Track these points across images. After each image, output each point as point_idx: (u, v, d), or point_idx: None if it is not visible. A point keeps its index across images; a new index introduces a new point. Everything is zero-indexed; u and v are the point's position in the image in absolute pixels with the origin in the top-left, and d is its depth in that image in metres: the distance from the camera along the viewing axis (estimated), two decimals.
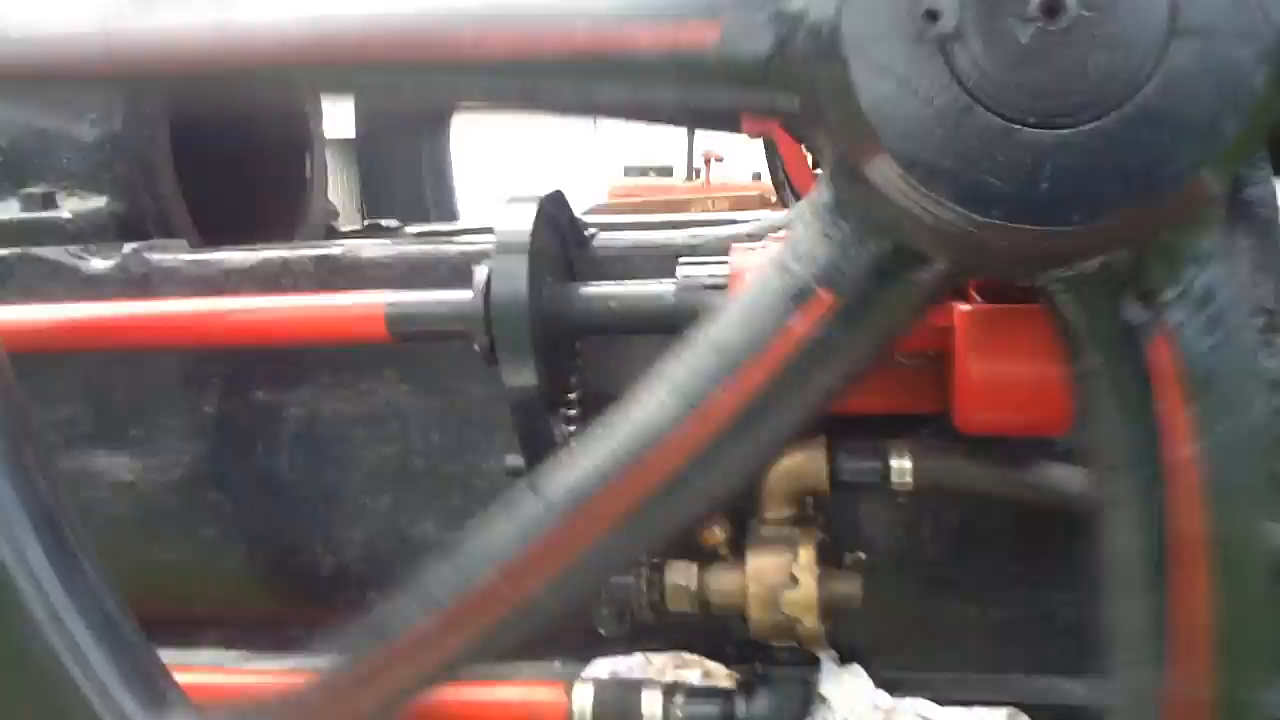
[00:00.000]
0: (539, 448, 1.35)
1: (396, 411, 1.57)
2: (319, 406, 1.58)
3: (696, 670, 1.44)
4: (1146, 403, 0.73)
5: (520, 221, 1.27)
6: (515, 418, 1.34)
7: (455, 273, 1.46)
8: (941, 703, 1.37)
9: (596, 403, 1.40)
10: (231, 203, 2.02)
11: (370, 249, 1.55)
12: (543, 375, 1.29)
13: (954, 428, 1.34)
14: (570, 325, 1.32)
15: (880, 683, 1.40)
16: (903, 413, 1.35)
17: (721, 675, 1.43)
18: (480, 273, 1.30)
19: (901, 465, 1.26)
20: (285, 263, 1.55)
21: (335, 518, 1.60)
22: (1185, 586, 0.76)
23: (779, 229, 1.37)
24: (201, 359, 1.60)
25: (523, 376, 1.28)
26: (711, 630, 1.48)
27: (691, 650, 1.48)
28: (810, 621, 1.24)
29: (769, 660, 1.33)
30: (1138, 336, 0.72)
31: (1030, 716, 1.35)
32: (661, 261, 1.40)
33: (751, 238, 1.37)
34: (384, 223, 2.76)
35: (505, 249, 1.26)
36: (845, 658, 1.43)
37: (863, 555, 1.30)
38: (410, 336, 1.39)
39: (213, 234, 1.83)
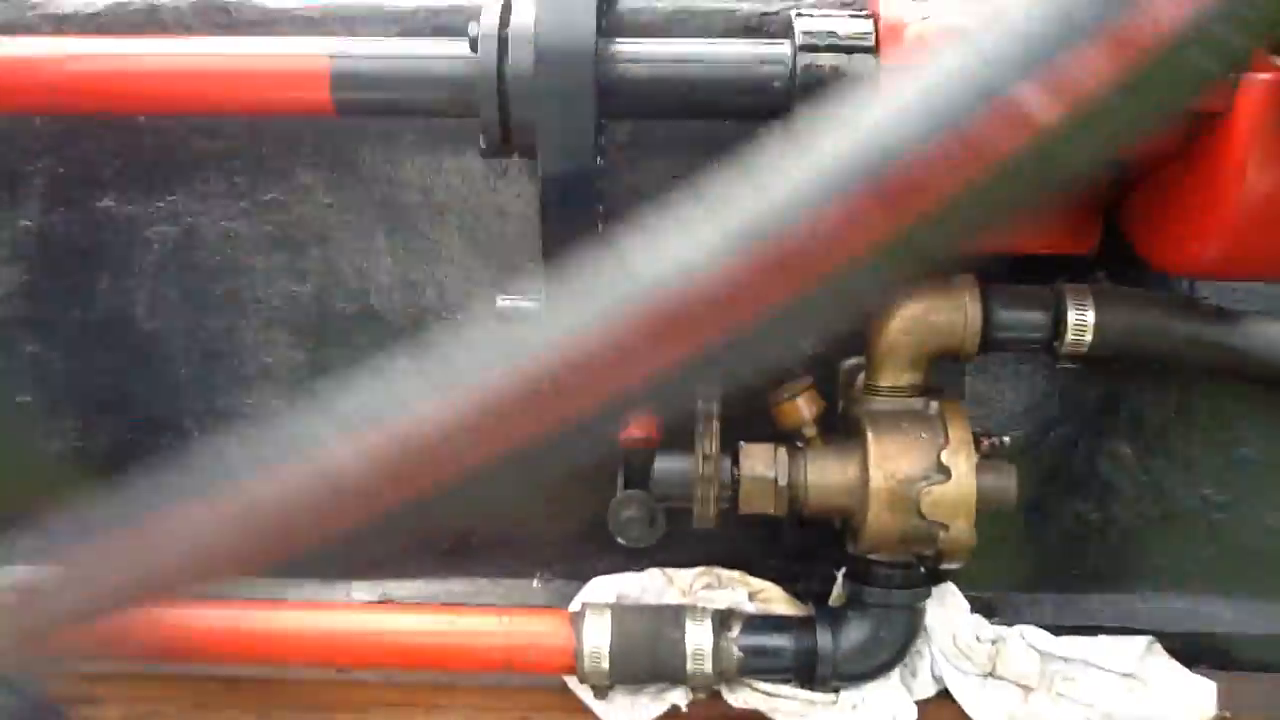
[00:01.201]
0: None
1: (316, 231, 1.10)
2: (197, 223, 1.09)
3: (739, 590, 1.07)
4: None
5: None
6: (546, 218, 0.90)
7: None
8: (1056, 631, 1.05)
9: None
10: None
11: None
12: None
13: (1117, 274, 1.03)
14: (629, 99, 0.89)
15: (975, 607, 1.07)
16: (1049, 253, 1.01)
17: (777, 597, 1.06)
18: (491, 9, 0.86)
19: (1082, 318, 0.91)
20: (153, 10, 1.05)
21: (222, 384, 1.13)
22: None
23: None
24: (16, 146, 1.08)
25: (574, 164, 0.86)
26: (749, 535, 1.11)
27: (720, 563, 1.10)
28: (962, 528, 0.88)
29: (867, 580, 0.97)
30: None
31: (1167, 647, 1.05)
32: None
33: None
34: None
35: None
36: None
37: (1007, 439, 0.95)
38: (366, 109, 0.94)
39: None
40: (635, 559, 1.10)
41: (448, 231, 1.09)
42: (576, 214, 0.86)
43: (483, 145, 0.89)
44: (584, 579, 1.10)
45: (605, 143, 1.00)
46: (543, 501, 1.14)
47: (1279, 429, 1.07)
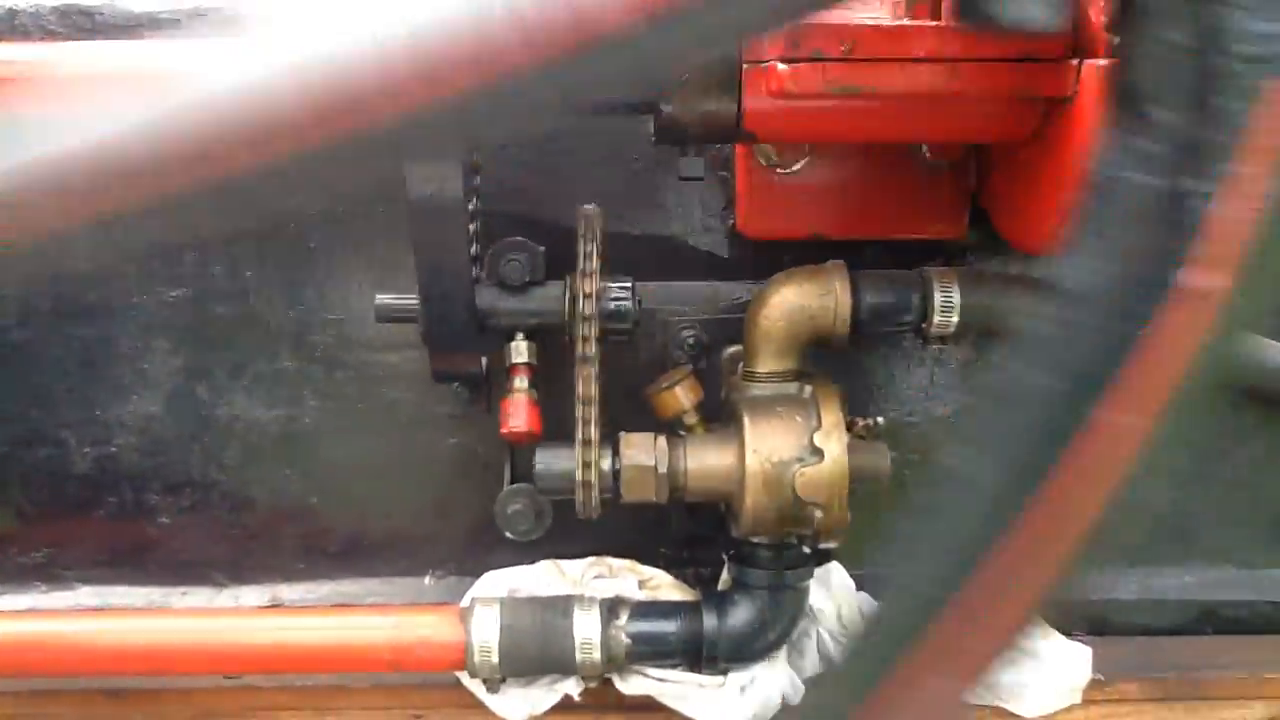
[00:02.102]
0: (444, 277, 0.92)
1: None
2: None
3: (629, 578, 1.08)
4: None
5: None
6: (416, 239, 0.90)
7: None
8: None
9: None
10: None
11: None
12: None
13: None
14: None
15: (862, 584, 1.09)
16: (915, 238, 1.04)
17: (667, 583, 1.08)
18: None
19: (948, 300, 0.93)
20: (12, 14, 1.02)
21: (95, 392, 1.11)
22: None
23: None
24: None
25: (440, 177, 0.86)
26: (637, 524, 1.12)
27: (609, 553, 1.11)
28: (836, 508, 0.90)
29: (750, 563, 0.98)
30: None
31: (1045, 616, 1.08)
32: None
33: None
34: None
35: None
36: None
37: (880, 420, 0.97)
38: None
39: None
40: (528, 553, 1.11)
41: (326, 227, 1.08)
42: (447, 214, 0.86)
43: None
44: (477, 575, 1.10)
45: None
46: (432, 500, 1.14)
47: None
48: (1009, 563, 0.53)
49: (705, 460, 0.94)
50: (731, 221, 1.06)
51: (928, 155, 1.00)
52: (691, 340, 1.06)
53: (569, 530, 1.09)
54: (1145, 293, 0.48)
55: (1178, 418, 0.50)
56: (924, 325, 0.95)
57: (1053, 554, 0.54)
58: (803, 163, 0.99)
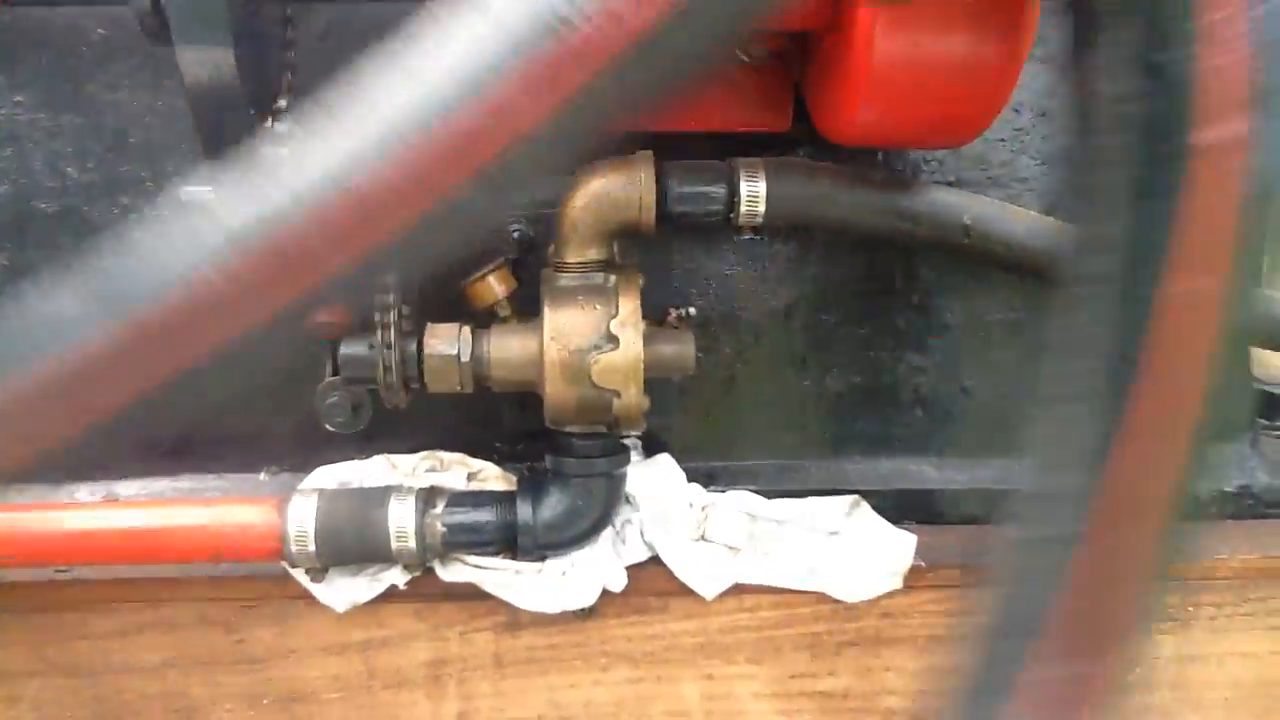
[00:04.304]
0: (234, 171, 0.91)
1: (6, 132, 1.06)
2: None
3: (459, 471, 1.09)
4: None
5: None
6: (199, 128, 0.89)
7: None
8: (769, 495, 1.10)
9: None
10: None
11: None
12: (243, 61, 0.85)
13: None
14: None
15: (694, 476, 1.11)
16: (738, 131, 1.03)
17: (494, 475, 1.09)
18: None
19: (754, 190, 0.93)
20: None
21: None
22: None
23: None
24: None
25: (211, 62, 0.84)
26: (474, 420, 1.13)
27: (446, 449, 1.12)
28: (632, 394, 0.91)
29: (563, 452, 0.99)
30: None
31: (876, 506, 1.11)
32: None
33: None
34: None
35: None
36: (649, 447, 1.13)
37: (692, 311, 0.98)
38: None
39: None
40: (365, 449, 1.11)
41: (145, 125, 1.06)
42: (223, 96, 0.84)
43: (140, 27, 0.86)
44: (313, 471, 1.11)
45: (293, 35, 0.98)
46: (264, 396, 1.14)
47: (972, 295, 1.13)
48: (1133, 465, 0.52)
49: (509, 349, 0.94)
50: None
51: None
52: (517, 234, 1.06)
53: (410, 427, 1.10)
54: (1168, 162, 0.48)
55: (1240, 276, 0.50)
56: (732, 215, 0.95)
57: (1171, 444, 0.53)
58: None
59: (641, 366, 0.89)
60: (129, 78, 1.04)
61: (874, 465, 1.16)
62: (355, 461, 1.10)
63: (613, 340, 0.90)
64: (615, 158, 0.95)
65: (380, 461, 1.10)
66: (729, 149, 1.01)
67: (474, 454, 1.11)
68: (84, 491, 1.14)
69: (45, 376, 0.50)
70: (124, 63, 1.04)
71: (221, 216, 0.48)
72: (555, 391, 0.91)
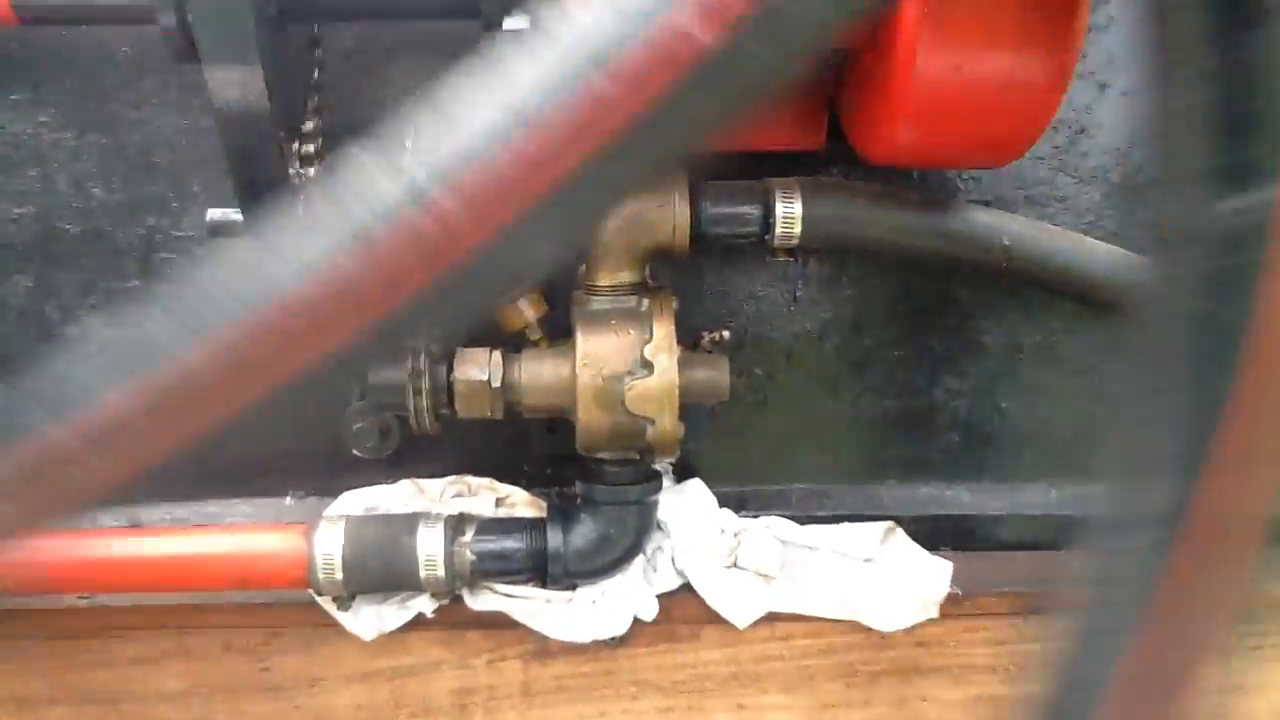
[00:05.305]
0: (261, 194, 0.90)
1: (31, 151, 1.05)
2: None
3: (486, 496, 1.07)
4: None
5: None
6: (226, 149, 0.87)
7: None
8: (801, 521, 1.08)
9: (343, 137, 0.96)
10: None
11: None
12: (270, 82, 0.84)
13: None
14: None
15: (725, 501, 1.09)
16: (769, 150, 1.01)
17: (523, 500, 1.07)
18: None
19: (789, 211, 0.91)
20: None
21: None
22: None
23: None
24: None
25: (240, 82, 0.83)
26: (501, 443, 1.11)
27: (474, 472, 1.10)
28: (667, 422, 0.89)
29: (594, 479, 0.97)
30: None
31: (911, 532, 1.08)
32: None
33: None
34: None
35: None
36: (680, 471, 1.11)
37: (726, 334, 0.96)
38: (46, 16, 0.89)
39: None
40: (391, 473, 1.10)
41: (171, 146, 1.05)
42: (252, 117, 0.83)
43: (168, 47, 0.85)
44: (339, 495, 1.09)
45: (321, 55, 0.97)
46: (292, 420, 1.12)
47: (1010, 317, 1.11)
48: (1222, 491, 0.50)
49: (540, 375, 0.92)
50: None
51: None
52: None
53: (438, 451, 1.08)
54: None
55: None
56: (766, 237, 0.93)
57: (1263, 470, 0.49)
58: None
59: (676, 394, 0.88)
60: (155, 97, 1.03)
61: (909, 490, 1.14)
62: (382, 486, 1.08)
63: (647, 366, 0.88)
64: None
65: (407, 486, 1.08)
66: (758, 166, 1.00)
67: (501, 477, 1.09)
68: (107, 518, 1.12)
69: (148, 393, 0.48)
70: (150, 82, 1.03)
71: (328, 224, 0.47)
72: (588, 418, 0.89)
